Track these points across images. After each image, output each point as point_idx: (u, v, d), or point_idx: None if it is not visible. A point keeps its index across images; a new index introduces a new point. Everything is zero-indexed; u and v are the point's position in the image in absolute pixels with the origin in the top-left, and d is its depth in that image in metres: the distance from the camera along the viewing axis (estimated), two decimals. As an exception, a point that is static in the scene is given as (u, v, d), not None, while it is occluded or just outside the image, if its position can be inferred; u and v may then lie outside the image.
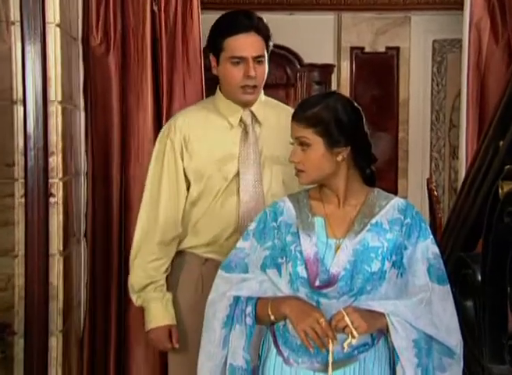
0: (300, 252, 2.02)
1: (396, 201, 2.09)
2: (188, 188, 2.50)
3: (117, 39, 3.28)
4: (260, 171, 2.47)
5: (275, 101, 2.62)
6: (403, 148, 6.90)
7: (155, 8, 3.26)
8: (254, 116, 2.50)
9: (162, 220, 2.48)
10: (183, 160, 2.47)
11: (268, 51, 2.45)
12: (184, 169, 2.48)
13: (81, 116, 3.34)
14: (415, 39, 6.84)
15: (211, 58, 2.49)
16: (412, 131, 6.89)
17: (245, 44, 2.38)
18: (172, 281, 2.56)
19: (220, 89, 2.53)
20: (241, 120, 2.48)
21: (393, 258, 2.02)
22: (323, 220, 2.05)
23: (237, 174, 2.46)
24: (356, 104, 2.07)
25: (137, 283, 2.51)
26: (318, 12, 6.67)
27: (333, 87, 6.76)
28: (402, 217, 2.05)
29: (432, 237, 2.06)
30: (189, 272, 2.54)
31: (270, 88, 8.13)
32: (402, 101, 6.88)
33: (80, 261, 3.37)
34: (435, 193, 4.93)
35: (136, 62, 3.26)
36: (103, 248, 3.35)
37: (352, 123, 2.02)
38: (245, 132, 2.48)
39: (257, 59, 2.41)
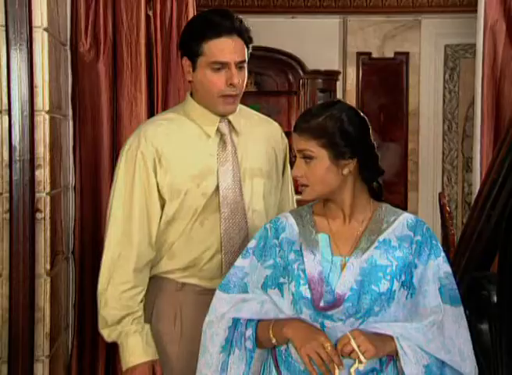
0: (304, 271, 2.03)
1: (406, 217, 2.10)
2: (162, 207, 2.39)
3: (107, 44, 3.30)
4: (240, 185, 2.41)
5: (250, 110, 2.56)
6: (413, 160, 6.91)
7: (150, 12, 3.28)
8: (231, 125, 2.43)
9: (137, 244, 2.36)
10: (156, 176, 2.36)
11: (248, 56, 2.38)
12: (158, 186, 2.37)
13: (70, 126, 3.35)
14: (426, 44, 6.86)
15: (185, 62, 2.38)
16: (423, 142, 6.90)
17: (228, 48, 2.30)
18: (145, 311, 2.43)
19: (192, 95, 2.44)
20: (218, 130, 2.41)
21: (403, 277, 2.03)
22: (328, 237, 2.07)
23: (216, 189, 2.38)
24: (362, 113, 2.09)
25: (111, 315, 2.37)
26: (322, 16, 6.69)
27: (338, 94, 6.78)
28: (412, 234, 2.07)
29: (443, 254, 2.07)
30: (164, 299, 2.44)
31: (271, 96, 8.14)
32: (412, 109, 6.89)
33: (68, 281, 3.37)
34: (448, 208, 4.93)
35: (129, 68, 3.27)
36: (92, 266, 3.34)
37: (358, 134, 2.03)
38: (222, 142, 2.41)
39: (239, 65, 2.34)
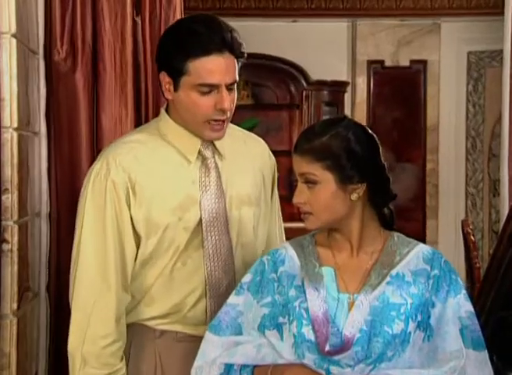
0: (306, 310, 2.04)
1: (421, 249, 2.12)
2: (137, 245, 2.34)
3: (86, 52, 3.30)
4: (226, 216, 2.36)
5: (233, 125, 2.50)
6: (432, 183, 6.93)
7: (137, 18, 3.28)
8: (214, 147, 2.39)
9: (115, 289, 2.30)
10: (130, 208, 2.31)
11: (238, 74, 2.33)
12: (132, 220, 2.32)
13: (42, 145, 3.36)
14: (446, 50, 6.90)
15: (164, 78, 2.33)
16: (443, 162, 6.93)
17: (218, 68, 2.25)
18: None
19: (167, 111, 2.40)
20: (199, 153, 2.37)
21: (418, 317, 2.04)
22: (333, 271, 2.08)
23: (200, 222, 2.34)
24: (370, 131, 2.11)
25: None
26: (327, 19, 6.74)
27: (347, 108, 6.81)
28: (428, 268, 2.08)
29: (464, 291, 2.09)
30: (140, 349, 2.38)
31: (270, 110, 8.16)
32: (430, 125, 6.93)
33: (38, 322, 3.36)
34: (472, 238, 4.94)
35: (113, 80, 3.26)
36: (69, 305, 3.33)
37: (367, 155, 2.05)
38: (205, 167, 2.37)
39: (230, 87, 2.29)
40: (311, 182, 2.04)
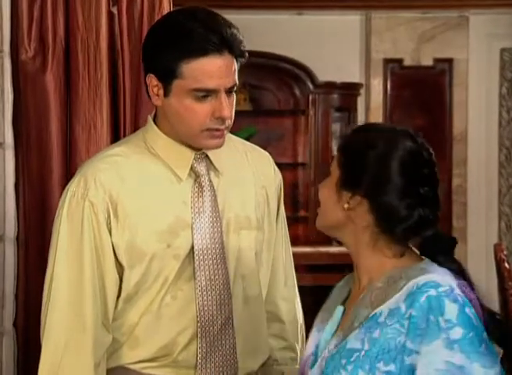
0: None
1: (417, 281, 1.92)
2: (120, 276, 2.34)
3: (57, 50, 3.31)
4: (221, 242, 2.37)
5: (232, 136, 2.51)
6: (459, 201, 6.93)
7: (113, 9, 3.30)
8: (209, 161, 2.39)
9: (91, 329, 2.30)
10: (110, 233, 2.32)
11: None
12: (114, 247, 2.32)
13: (8, 158, 3.37)
14: (475, 48, 6.92)
15: (151, 81, 2.33)
16: (472, 177, 6.93)
17: (217, 70, 2.26)
18: None
19: (155, 120, 2.41)
20: (192, 169, 2.38)
21: (383, 368, 1.89)
22: (342, 310, 2.06)
23: (192, 249, 2.35)
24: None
25: None
26: (338, 12, 6.76)
27: (360, 114, 6.83)
28: (404, 306, 1.91)
29: (445, 336, 1.87)
30: None
31: (272, 117, 8.14)
32: (457, 134, 6.93)
33: (0, 362, 3.37)
34: (507, 265, 4.96)
35: (86, 81, 3.27)
36: (40, 343, 3.33)
37: (387, 171, 2.03)
38: (198, 186, 2.38)
39: (229, 90, 2.30)
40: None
